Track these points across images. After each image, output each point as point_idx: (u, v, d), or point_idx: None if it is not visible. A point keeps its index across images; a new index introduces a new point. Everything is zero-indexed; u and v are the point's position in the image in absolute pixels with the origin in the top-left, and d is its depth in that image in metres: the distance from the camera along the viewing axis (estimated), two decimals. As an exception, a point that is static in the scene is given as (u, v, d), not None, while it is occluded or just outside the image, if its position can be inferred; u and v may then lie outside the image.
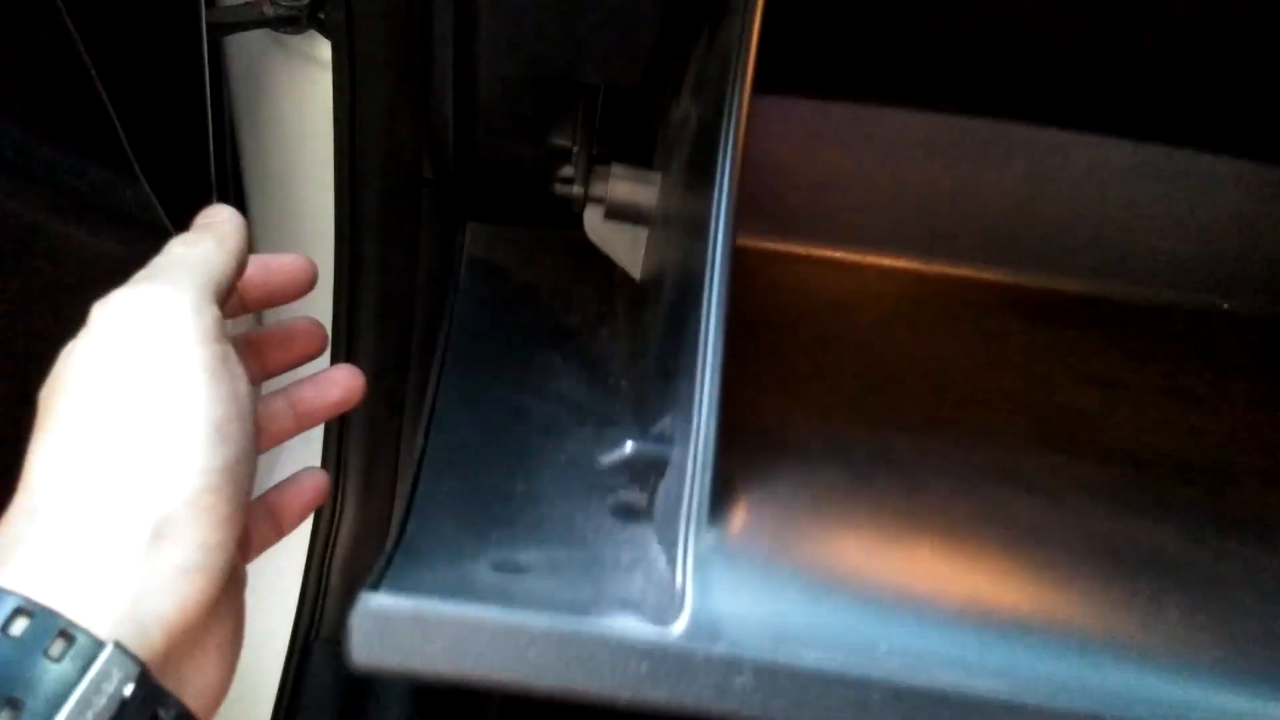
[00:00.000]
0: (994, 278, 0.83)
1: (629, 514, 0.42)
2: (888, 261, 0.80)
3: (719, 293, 0.39)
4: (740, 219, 0.76)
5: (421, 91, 0.72)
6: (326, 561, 0.69)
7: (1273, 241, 0.84)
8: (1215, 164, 0.82)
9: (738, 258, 0.78)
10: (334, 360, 0.77)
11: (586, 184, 0.60)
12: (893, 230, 0.80)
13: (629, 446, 0.40)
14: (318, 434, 0.74)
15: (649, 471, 0.41)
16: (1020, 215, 0.82)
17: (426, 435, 0.46)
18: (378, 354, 0.77)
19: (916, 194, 0.79)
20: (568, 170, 0.62)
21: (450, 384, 0.53)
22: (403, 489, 0.77)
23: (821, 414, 0.49)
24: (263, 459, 0.42)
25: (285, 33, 0.72)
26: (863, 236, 0.79)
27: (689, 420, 0.38)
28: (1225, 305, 0.85)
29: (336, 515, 0.71)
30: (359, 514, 0.71)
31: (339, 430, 0.74)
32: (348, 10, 0.70)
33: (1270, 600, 0.39)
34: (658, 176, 0.60)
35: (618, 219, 0.61)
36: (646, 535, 0.41)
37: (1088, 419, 0.61)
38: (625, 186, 0.60)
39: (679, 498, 0.37)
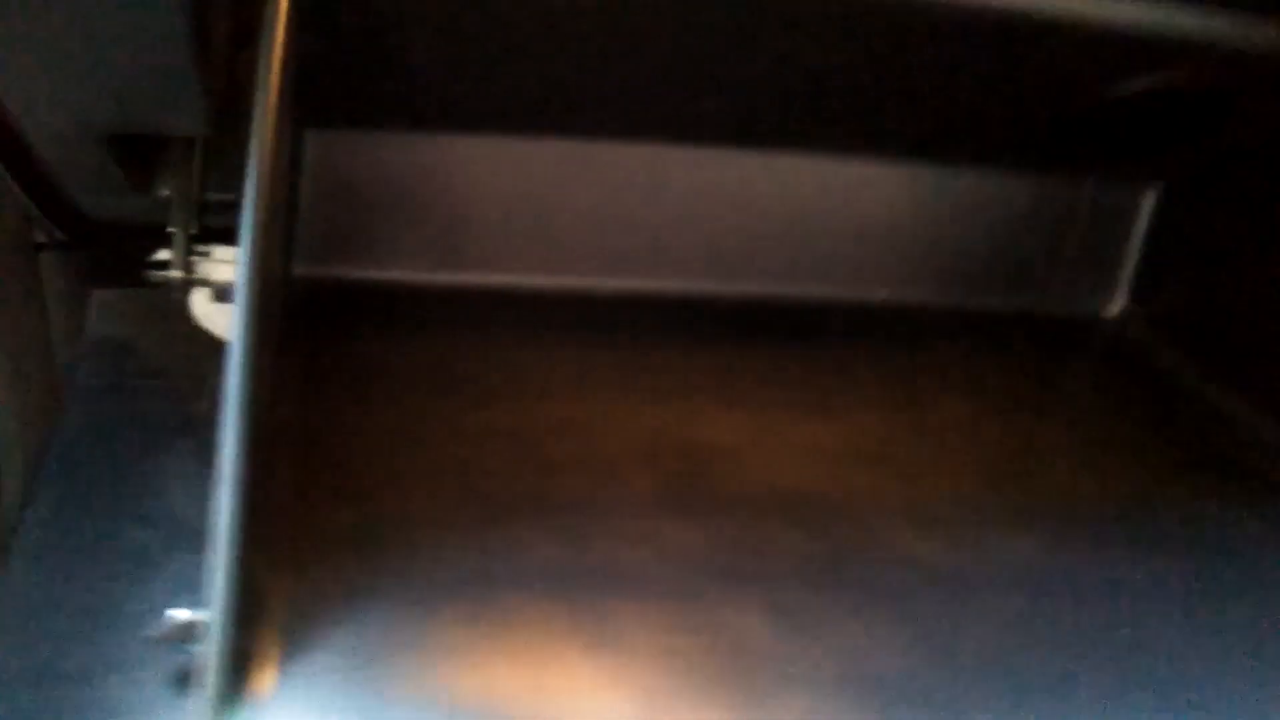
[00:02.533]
0: (661, 292, 0.85)
1: (182, 683, 0.40)
2: (541, 285, 0.80)
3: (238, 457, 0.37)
4: (359, 253, 0.76)
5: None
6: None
7: (927, 234, 0.90)
8: (866, 167, 0.87)
9: (347, 296, 0.75)
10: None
11: (187, 267, 0.56)
12: (541, 254, 0.80)
13: (165, 620, 0.39)
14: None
15: (197, 635, 0.40)
16: (685, 229, 0.84)
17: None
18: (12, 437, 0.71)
19: (569, 218, 0.79)
20: (164, 253, 0.58)
21: (38, 519, 0.49)
22: None
23: (409, 517, 0.49)
24: None
25: None
26: (504, 263, 0.79)
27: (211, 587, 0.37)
28: (886, 294, 0.91)
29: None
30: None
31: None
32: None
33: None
34: (262, 257, 0.57)
35: (228, 301, 0.58)
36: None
37: (723, 458, 0.64)
38: (229, 269, 0.57)
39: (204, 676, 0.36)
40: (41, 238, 0.68)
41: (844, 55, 0.71)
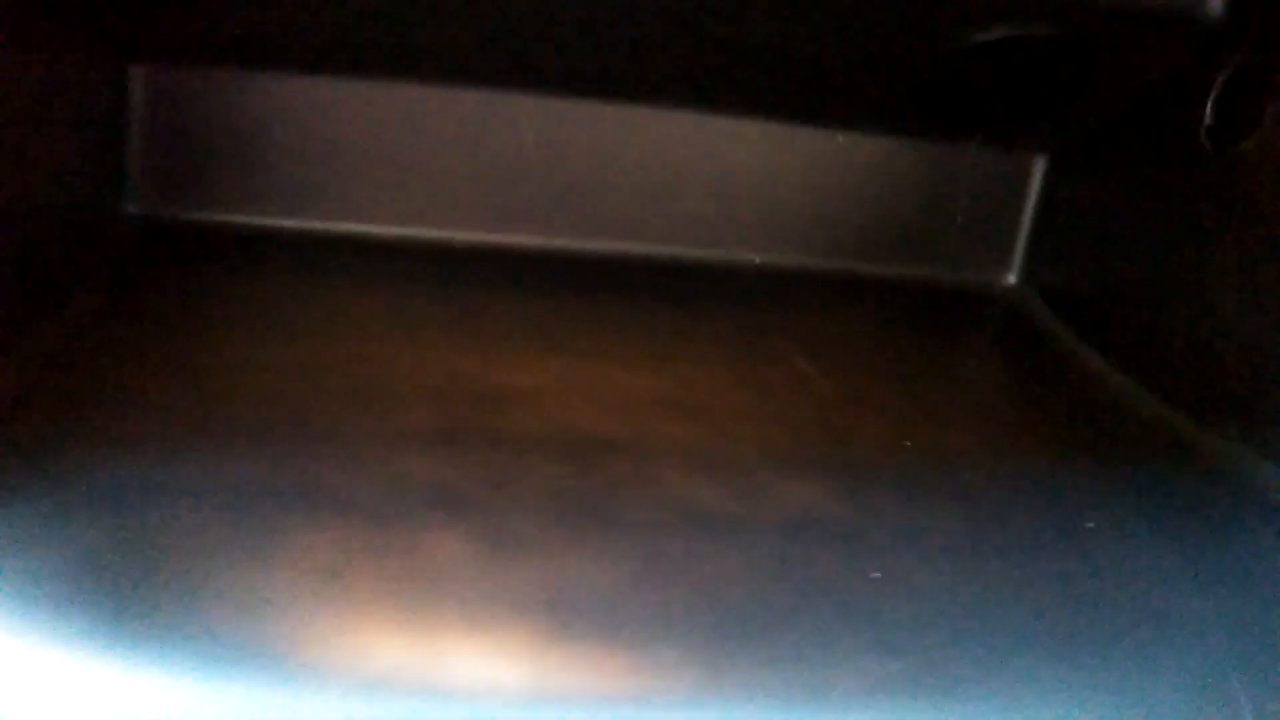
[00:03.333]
0: (512, 246, 0.83)
1: None
2: (382, 234, 0.78)
3: None
4: (197, 194, 0.74)
5: None
6: None
7: (807, 198, 0.87)
8: (742, 125, 0.84)
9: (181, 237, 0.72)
10: None
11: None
12: (385, 202, 0.78)
13: None
14: None
15: None
16: (544, 182, 0.82)
17: None
18: None
19: (419, 166, 0.77)
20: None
21: None
22: None
23: (106, 431, 0.47)
24: None
25: None
26: (345, 210, 0.77)
27: None
28: (758, 260, 0.89)
29: None
30: None
31: None
32: None
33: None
34: None
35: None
36: None
37: (517, 401, 0.61)
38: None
39: None
40: None
41: (695, 6, 0.69)
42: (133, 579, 0.38)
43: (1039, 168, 0.88)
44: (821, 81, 0.79)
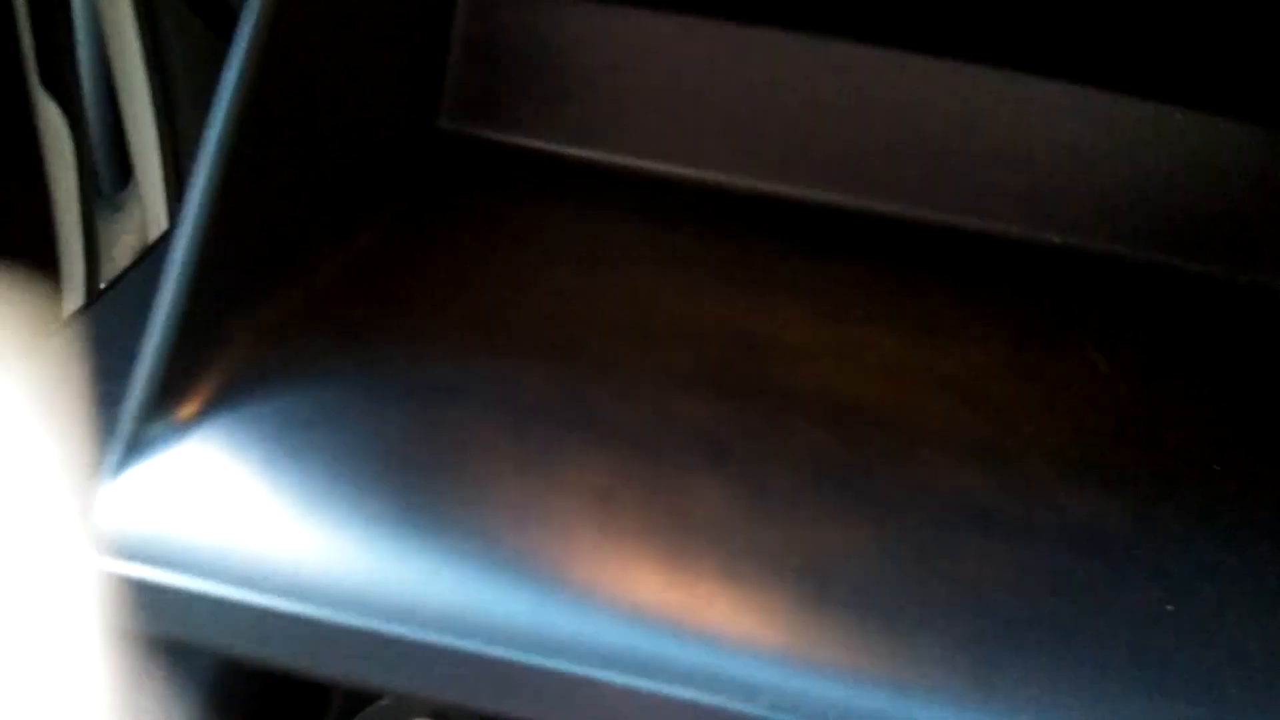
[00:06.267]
0: (804, 199, 0.79)
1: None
2: (678, 174, 0.77)
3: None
4: (509, 118, 0.76)
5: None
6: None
7: (1105, 174, 0.78)
8: (1049, 91, 0.76)
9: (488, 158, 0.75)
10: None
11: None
12: (687, 143, 0.77)
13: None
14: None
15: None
16: (837, 135, 0.78)
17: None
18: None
19: (730, 109, 0.76)
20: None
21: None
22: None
23: (414, 328, 0.49)
24: None
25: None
26: (646, 146, 0.76)
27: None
28: (1057, 240, 0.80)
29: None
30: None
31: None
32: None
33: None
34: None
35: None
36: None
37: (782, 355, 0.59)
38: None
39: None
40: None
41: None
42: (427, 471, 0.39)
43: None
44: (1182, 51, 0.69)
